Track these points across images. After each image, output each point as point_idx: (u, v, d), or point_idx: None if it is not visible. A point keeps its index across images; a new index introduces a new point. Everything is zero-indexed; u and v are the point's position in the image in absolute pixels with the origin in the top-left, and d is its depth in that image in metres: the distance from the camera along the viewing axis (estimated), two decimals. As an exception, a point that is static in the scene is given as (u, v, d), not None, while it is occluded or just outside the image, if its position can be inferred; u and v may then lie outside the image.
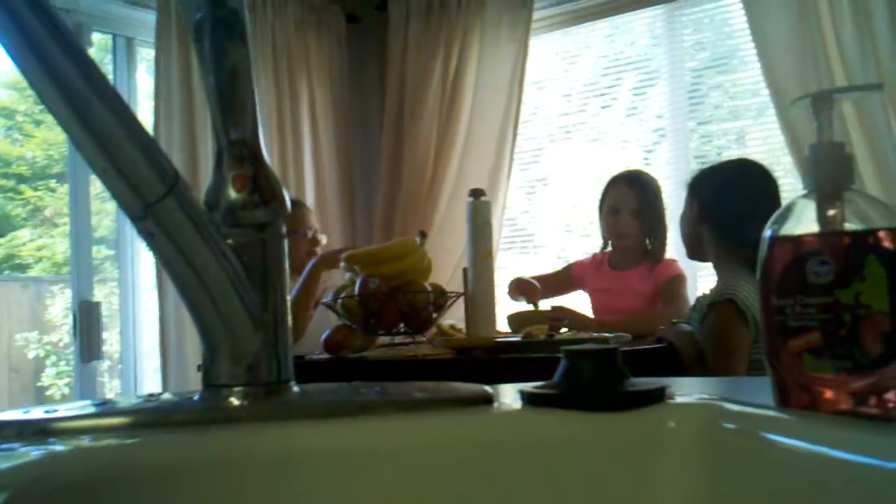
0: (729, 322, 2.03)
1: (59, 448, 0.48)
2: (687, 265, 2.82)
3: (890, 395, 0.48)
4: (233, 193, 0.56)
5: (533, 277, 2.97)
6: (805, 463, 0.42)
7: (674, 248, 3.11)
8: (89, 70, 0.46)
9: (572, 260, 3.28)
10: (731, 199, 2.19)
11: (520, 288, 2.81)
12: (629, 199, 2.82)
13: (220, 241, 0.54)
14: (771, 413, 0.48)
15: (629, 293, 2.85)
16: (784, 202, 0.55)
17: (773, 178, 2.22)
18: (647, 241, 2.86)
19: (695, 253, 2.34)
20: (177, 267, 0.53)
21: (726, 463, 0.48)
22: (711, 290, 2.18)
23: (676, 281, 2.79)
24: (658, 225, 2.85)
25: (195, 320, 0.55)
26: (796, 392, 0.51)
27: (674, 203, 3.59)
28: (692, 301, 2.81)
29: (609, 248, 2.97)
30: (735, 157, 2.47)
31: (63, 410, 0.55)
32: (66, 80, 0.46)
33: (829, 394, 0.49)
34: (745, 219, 2.16)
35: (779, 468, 0.43)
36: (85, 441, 0.49)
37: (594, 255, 3.05)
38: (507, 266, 4.05)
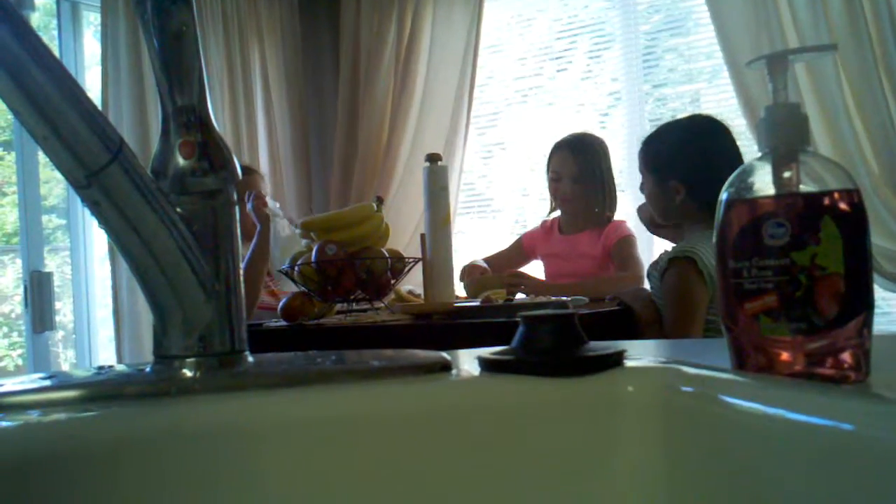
0: (688, 279, 2.02)
1: (5, 423, 0.47)
2: (639, 227, 2.83)
3: (845, 357, 0.49)
4: (181, 160, 0.54)
5: (486, 258, 2.99)
6: (762, 425, 0.42)
7: (630, 212, 3.13)
8: (25, 34, 0.45)
9: (528, 227, 3.29)
10: (683, 159, 2.14)
11: (472, 274, 2.81)
12: (570, 165, 2.83)
13: (168, 209, 0.52)
14: (728, 376, 0.48)
15: (580, 257, 2.86)
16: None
17: (724, 130, 2.17)
18: (595, 205, 2.87)
19: (669, 220, 2.26)
20: (124, 236, 0.51)
21: (684, 426, 0.48)
22: (673, 248, 2.16)
23: (626, 242, 2.81)
24: (603, 188, 2.86)
25: (145, 291, 0.54)
26: (753, 354, 0.51)
27: (628, 165, 3.62)
28: (645, 261, 2.83)
29: (558, 213, 2.99)
30: (679, 118, 2.38)
31: (10, 384, 0.54)
32: (1, 44, 0.44)
33: (785, 356, 0.50)
34: (702, 178, 2.12)
35: (736, 431, 0.43)
36: (34, 416, 0.48)
37: (543, 222, 3.07)
38: (465, 231, 4.06)
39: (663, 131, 2.27)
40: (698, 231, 2.11)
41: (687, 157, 2.14)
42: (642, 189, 2.30)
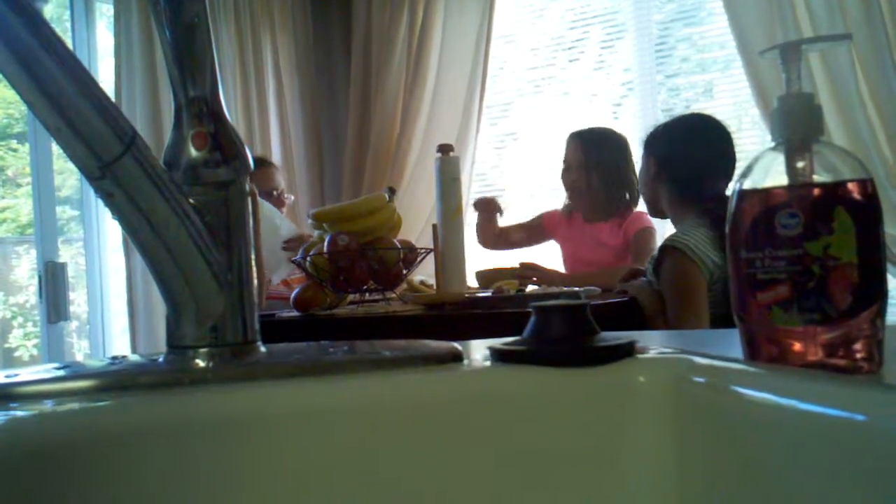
0: (683, 267, 2.04)
1: (21, 413, 0.47)
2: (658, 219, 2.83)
3: (858, 347, 0.49)
4: (193, 151, 0.54)
5: (503, 228, 3.02)
6: (774, 416, 0.42)
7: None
8: (38, 25, 0.45)
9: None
10: (686, 155, 2.20)
11: (488, 209, 2.94)
12: (578, 154, 2.84)
13: (181, 200, 0.52)
14: (740, 366, 0.48)
15: (598, 245, 2.87)
16: (752, 155, 0.54)
17: (728, 133, 2.22)
18: (607, 196, 2.87)
19: (655, 210, 2.35)
20: (138, 227, 0.51)
21: (696, 417, 0.48)
22: (664, 239, 2.20)
23: (644, 234, 2.80)
24: (616, 179, 2.85)
25: (158, 282, 0.54)
26: (765, 345, 0.51)
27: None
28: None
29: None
30: (689, 113, 2.44)
31: (25, 374, 0.54)
32: (14, 36, 0.44)
33: (797, 346, 0.49)
34: (700, 175, 2.19)
35: (748, 421, 0.43)
36: (48, 405, 0.48)
37: (566, 205, 3.06)
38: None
39: (662, 130, 2.31)
40: (688, 221, 2.14)
41: (677, 157, 2.20)
42: (640, 180, 2.37)
